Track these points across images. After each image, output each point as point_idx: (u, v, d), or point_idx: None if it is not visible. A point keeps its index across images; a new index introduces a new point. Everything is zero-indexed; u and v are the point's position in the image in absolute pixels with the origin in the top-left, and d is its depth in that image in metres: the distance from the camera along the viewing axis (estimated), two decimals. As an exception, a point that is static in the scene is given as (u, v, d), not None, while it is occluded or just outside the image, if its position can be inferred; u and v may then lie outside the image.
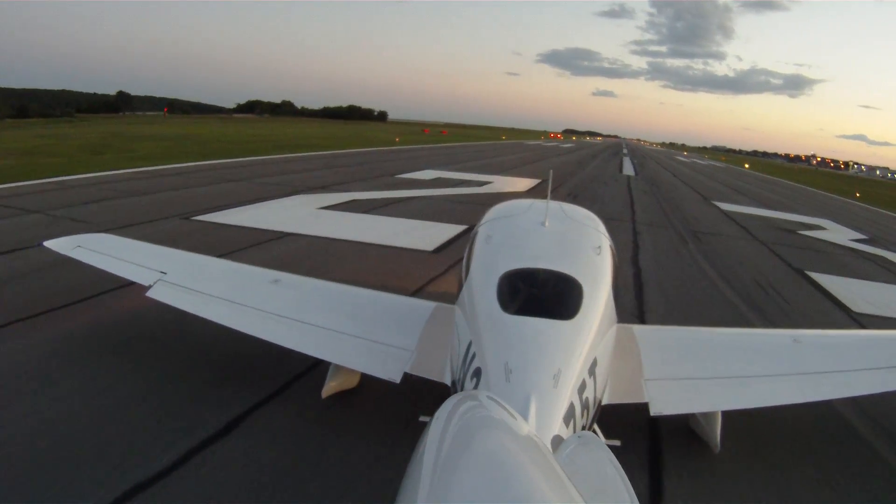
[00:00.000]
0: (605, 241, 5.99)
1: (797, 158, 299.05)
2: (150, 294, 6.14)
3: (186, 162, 26.53)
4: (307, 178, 24.31)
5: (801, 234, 21.85)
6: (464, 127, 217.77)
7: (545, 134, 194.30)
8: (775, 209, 31.14)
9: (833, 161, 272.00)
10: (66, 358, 6.39)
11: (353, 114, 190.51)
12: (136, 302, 7.65)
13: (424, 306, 5.96)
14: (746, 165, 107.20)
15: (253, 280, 6.49)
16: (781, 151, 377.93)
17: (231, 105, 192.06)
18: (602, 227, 6.45)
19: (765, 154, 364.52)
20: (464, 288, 5.26)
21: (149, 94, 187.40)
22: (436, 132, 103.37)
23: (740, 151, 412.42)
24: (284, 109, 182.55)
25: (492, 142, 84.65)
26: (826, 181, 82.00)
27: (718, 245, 17.54)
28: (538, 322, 4.32)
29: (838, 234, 23.39)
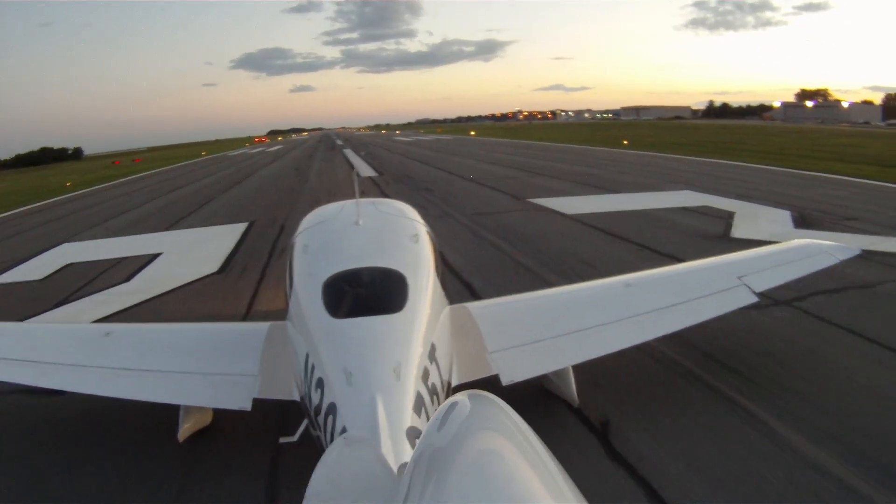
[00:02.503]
0: (422, 228, 6.13)
1: (504, 117, 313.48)
2: None
3: None
4: None
5: (743, 241, 12.35)
6: (165, 148, 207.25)
7: (250, 140, 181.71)
8: (616, 190, 21.90)
9: (540, 112, 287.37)
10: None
11: (45, 156, 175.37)
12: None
13: (259, 328, 5.88)
14: (473, 133, 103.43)
15: (85, 338, 6.30)
16: (486, 113, 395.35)
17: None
18: (416, 215, 6.58)
19: (469, 118, 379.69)
20: (290, 301, 5.39)
21: None
22: (128, 162, 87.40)
23: (445, 121, 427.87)
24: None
25: (189, 161, 70.31)
26: (566, 133, 79.63)
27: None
28: (368, 321, 4.41)
29: (765, 220, 15.00)
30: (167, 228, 19.49)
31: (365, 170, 36.07)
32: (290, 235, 6.47)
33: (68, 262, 14.86)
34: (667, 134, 68.63)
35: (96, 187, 41.27)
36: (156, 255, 14.70)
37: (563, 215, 16.74)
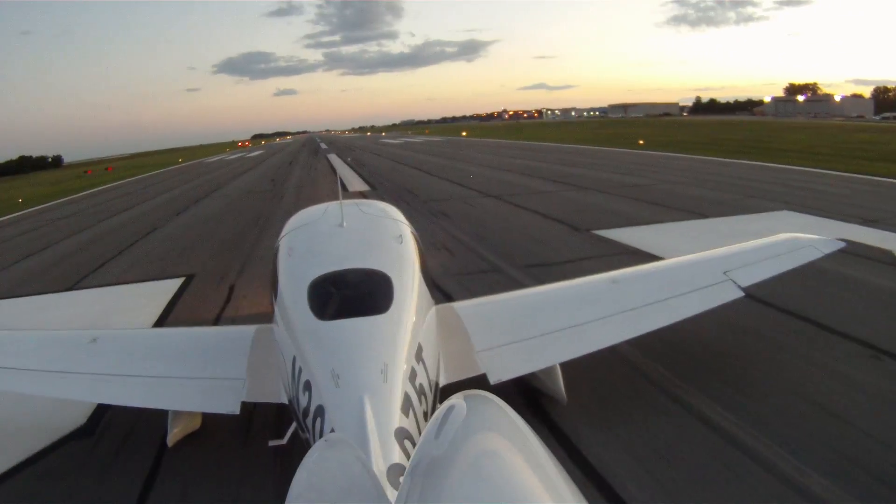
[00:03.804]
0: (406, 229, 6.09)
1: (490, 116, 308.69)
2: None
3: None
4: None
5: None
6: (147, 155, 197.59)
7: (231, 145, 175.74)
8: (697, 211, 16.22)
9: (526, 112, 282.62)
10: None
11: (24, 165, 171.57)
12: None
13: (246, 332, 5.70)
14: (464, 133, 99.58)
15: (71, 344, 5.94)
16: (470, 113, 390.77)
17: None
18: (400, 216, 6.56)
19: (454, 119, 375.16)
20: (276, 305, 5.31)
21: None
22: (101, 170, 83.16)
23: (430, 121, 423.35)
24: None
25: (160, 170, 64.03)
26: (562, 133, 75.74)
27: None
28: (354, 322, 4.34)
29: None
30: (72, 285, 13.18)
31: (353, 181, 30.15)
32: (274, 239, 6.35)
33: None
34: (671, 131, 64.88)
35: (45, 205, 34.95)
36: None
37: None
